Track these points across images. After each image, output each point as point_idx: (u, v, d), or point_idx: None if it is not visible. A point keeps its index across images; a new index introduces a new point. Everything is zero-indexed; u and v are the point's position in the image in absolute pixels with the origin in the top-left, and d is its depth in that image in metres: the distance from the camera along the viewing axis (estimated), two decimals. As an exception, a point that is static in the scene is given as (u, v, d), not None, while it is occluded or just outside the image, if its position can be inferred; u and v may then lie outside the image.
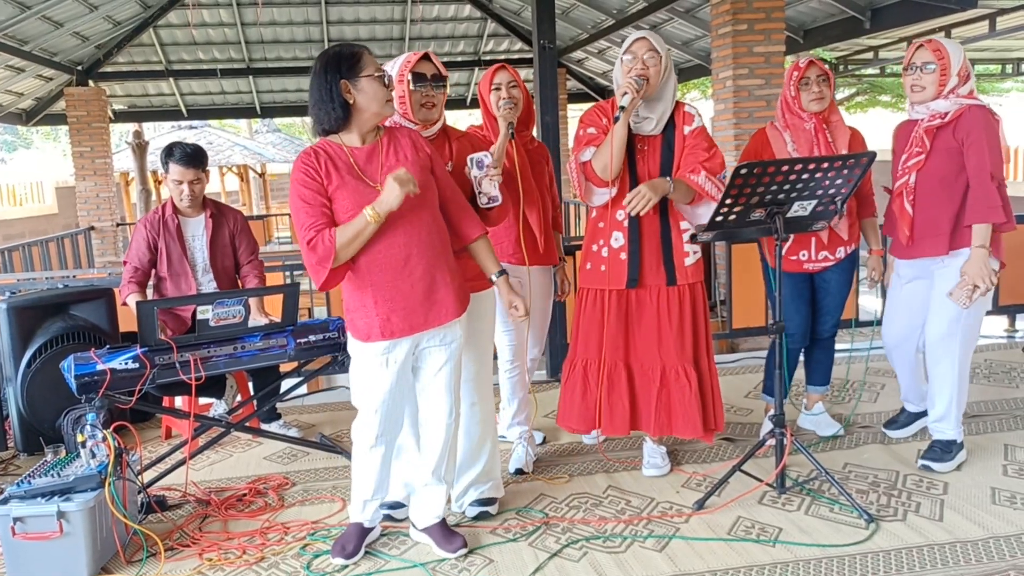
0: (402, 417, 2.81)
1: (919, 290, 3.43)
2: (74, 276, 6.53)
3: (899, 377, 3.69)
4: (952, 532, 2.82)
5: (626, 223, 3.22)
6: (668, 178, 3.12)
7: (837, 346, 3.76)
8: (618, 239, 3.24)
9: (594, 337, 3.30)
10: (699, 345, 3.29)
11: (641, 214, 3.08)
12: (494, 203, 2.84)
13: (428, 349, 2.74)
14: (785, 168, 2.86)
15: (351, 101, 2.58)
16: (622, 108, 3.01)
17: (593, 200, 3.26)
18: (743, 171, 2.81)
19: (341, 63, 2.57)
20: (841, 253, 3.58)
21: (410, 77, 2.82)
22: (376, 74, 2.58)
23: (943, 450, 3.36)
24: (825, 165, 2.90)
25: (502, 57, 13.35)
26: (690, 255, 3.26)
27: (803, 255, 3.56)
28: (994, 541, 2.75)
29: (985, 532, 2.81)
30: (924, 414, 3.57)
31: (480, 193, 2.83)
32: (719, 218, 2.97)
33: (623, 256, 3.23)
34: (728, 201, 2.90)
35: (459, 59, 13.17)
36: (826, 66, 3.50)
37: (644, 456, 3.48)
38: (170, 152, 3.92)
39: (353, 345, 2.73)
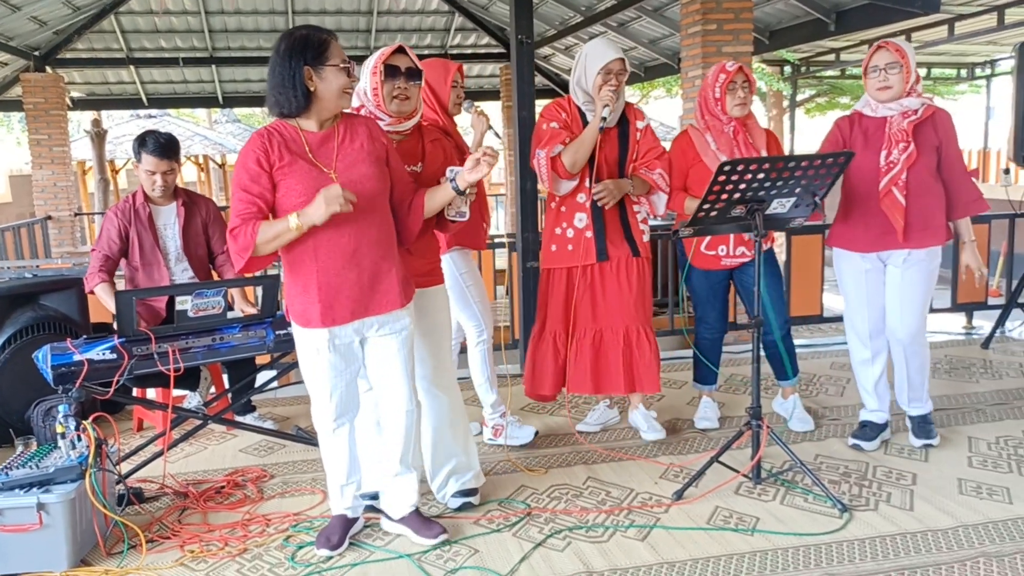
0: (357, 395, 2.81)
1: (878, 279, 3.48)
2: (37, 266, 6.39)
3: (864, 377, 3.61)
4: (923, 521, 2.91)
5: (588, 204, 3.55)
6: (628, 179, 3.57)
7: (803, 341, 3.86)
8: (582, 219, 3.57)
9: (563, 310, 3.63)
10: (648, 310, 3.71)
11: (607, 207, 3.52)
12: (460, 219, 2.82)
13: (376, 338, 2.72)
14: (767, 166, 2.92)
15: (312, 89, 2.54)
16: (604, 119, 3.40)
17: (560, 190, 3.55)
18: (726, 168, 2.87)
19: (307, 49, 2.51)
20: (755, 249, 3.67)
21: (382, 69, 2.82)
22: (341, 64, 2.54)
23: (928, 423, 3.58)
24: (805, 164, 2.97)
25: (469, 52, 13.34)
26: (645, 233, 3.70)
27: (721, 250, 3.69)
28: (963, 529, 2.84)
29: (954, 521, 2.91)
30: (887, 426, 3.63)
31: (450, 206, 2.78)
32: (701, 214, 3.03)
33: (588, 234, 3.57)
34: (711, 197, 2.95)
35: (426, 52, 13.10)
36: (752, 73, 3.62)
37: (640, 423, 3.76)
38: (143, 142, 3.85)
39: (295, 330, 2.71)
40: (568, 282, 3.61)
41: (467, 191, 2.70)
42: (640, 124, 3.62)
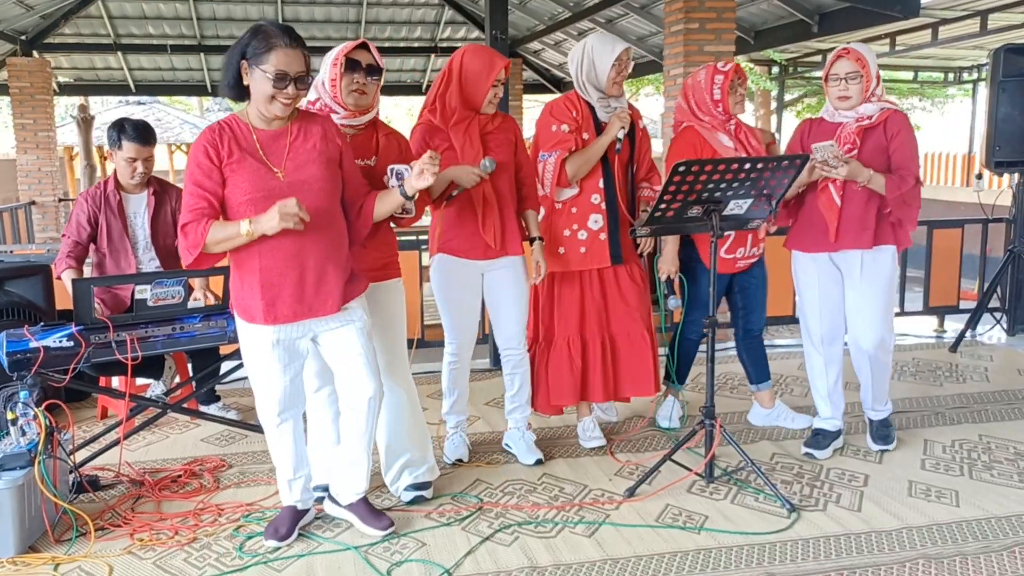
0: (302, 391, 2.83)
1: (833, 284, 3.48)
2: (11, 251, 6.37)
3: (818, 383, 3.61)
4: (869, 522, 2.94)
5: (603, 206, 3.48)
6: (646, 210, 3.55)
7: (777, 342, 3.89)
8: (597, 221, 3.48)
9: (574, 315, 3.55)
10: (650, 312, 3.68)
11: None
12: (407, 214, 2.87)
13: (330, 333, 2.72)
14: (722, 167, 2.94)
15: (246, 84, 2.55)
16: (619, 139, 3.43)
17: (562, 196, 3.48)
18: (681, 168, 2.88)
19: (251, 42, 2.50)
20: (760, 249, 3.75)
21: (343, 62, 2.84)
22: (271, 73, 2.47)
23: (887, 426, 3.61)
24: (760, 165, 2.98)
25: (459, 45, 13.30)
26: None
27: (740, 252, 3.67)
28: (907, 531, 2.87)
29: (899, 523, 2.93)
30: (839, 433, 3.63)
31: None
32: (657, 214, 3.05)
33: (603, 236, 3.48)
34: (667, 197, 2.97)
35: (415, 45, 13.07)
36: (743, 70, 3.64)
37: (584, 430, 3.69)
38: (122, 129, 3.83)
39: (239, 325, 2.71)
40: (582, 286, 3.53)
41: (414, 196, 2.72)
42: (641, 124, 3.65)
